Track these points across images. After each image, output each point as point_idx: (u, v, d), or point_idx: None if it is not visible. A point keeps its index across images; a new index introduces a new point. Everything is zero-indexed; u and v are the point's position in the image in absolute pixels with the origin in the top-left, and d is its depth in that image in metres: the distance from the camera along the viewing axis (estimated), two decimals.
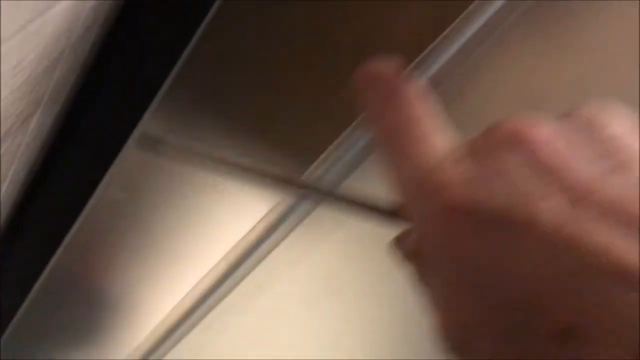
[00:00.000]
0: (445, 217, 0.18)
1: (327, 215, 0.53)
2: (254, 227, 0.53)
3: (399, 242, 0.23)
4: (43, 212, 0.63)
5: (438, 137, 0.20)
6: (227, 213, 0.55)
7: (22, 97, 0.35)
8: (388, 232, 0.55)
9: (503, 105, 0.44)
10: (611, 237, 0.15)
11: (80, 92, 0.53)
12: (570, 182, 0.17)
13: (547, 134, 0.18)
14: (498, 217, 0.17)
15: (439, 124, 0.21)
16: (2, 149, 0.38)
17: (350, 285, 0.58)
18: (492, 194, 0.17)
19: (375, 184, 0.47)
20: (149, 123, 0.51)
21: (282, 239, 0.53)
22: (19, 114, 0.37)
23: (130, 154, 0.55)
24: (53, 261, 0.61)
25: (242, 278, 0.57)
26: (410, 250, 0.22)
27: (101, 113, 0.55)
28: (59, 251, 0.61)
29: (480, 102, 0.44)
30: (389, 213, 0.23)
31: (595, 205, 0.16)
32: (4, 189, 0.48)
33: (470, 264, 0.18)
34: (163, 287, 0.63)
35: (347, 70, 0.42)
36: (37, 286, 0.67)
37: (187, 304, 0.61)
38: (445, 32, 0.39)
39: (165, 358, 0.70)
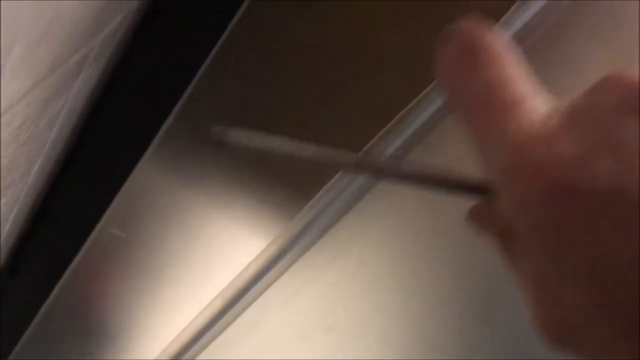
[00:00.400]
0: (549, 201, 0.16)
1: (322, 251, 0.54)
2: (250, 264, 0.55)
3: (480, 217, 0.20)
4: (43, 248, 0.64)
5: (536, 100, 0.17)
6: (223, 250, 0.57)
7: (27, 150, 0.36)
8: (378, 272, 0.56)
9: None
10: None
11: (79, 134, 0.54)
12: None
13: None
14: (611, 198, 0.15)
15: (533, 85, 0.18)
16: (4, 199, 0.40)
17: (344, 321, 0.58)
18: (606, 172, 0.15)
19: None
20: (146, 165, 0.52)
21: (278, 276, 0.54)
22: (23, 163, 0.38)
23: (128, 192, 0.56)
24: (53, 295, 0.62)
25: (238, 315, 0.58)
26: (497, 230, 0.19)
27: (101, 151, 0.56)
28: (60, 284, 0.62)
29: None
30: (474, 188, 0.20)
31: None
32: (5, 230, 0.49)
33: (584, 253, 0.15)
34: (159, 324, 0.63)
35: (344, 108, 0.44)
36: (37, 318, 0.68)
37: (183, 340, 0.62)
38: None
39: None
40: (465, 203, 0.20)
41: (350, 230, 0.52)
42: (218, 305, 0.58)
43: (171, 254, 0.59)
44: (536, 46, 0.39)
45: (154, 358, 0.65)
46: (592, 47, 0.39)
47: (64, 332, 0.71)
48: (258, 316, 0.59)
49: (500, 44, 0.18)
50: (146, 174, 0.53)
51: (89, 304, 0.65)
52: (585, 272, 0.15)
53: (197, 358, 0.63)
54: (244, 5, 0.42)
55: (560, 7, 0.38)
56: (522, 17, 0.38)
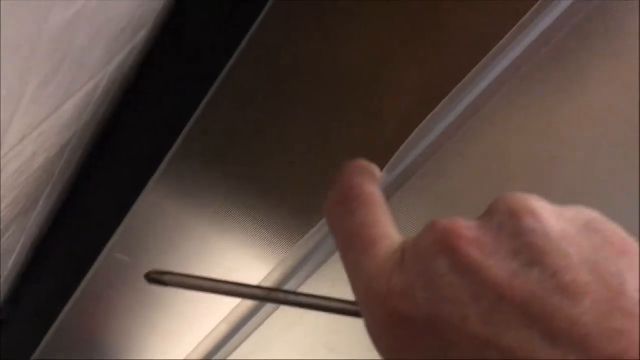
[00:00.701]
0: (389, 324, 0.19)
1: (325, 275, 0.54)
2: (267, 277, 0.55)
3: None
4: (49, 276, 0.64)
5: (388, 241, 0.21)
6: (227, 275, 0.57)
7: (37, 179, 0.37)
8: None
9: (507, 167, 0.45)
10: (521, 336, 0.16)
11: (86, 162, 0.55)
12: (489, 281, 0.18)
13: (471, 235, 0.19)
14: (432, 323, 0.18)
15: (390, 227, 0.22)
16: (14, 228, 0.40)
17: (346, 342, 0.58)
18: (426, 301, 0.18)
19: None
20: (152, 191, 0.53)
21: (300, 284, 0.54)
22: (33, 192, 0.39)
23: (133, 218, 0.56)
24: (58, 321, 0.63)
25: (243, 340, 0.58)
26: (375, 346, 0.22)
27: (107, 179, 0.57)
28: (65, 310, 0.63)
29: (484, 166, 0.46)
30: (354, 313, 0.24)
31: (509, 304, 0.17)
32: (12, 259, 0.49)
33: None
34: (163, 350, 0.63)
35: (347, 135, 0.44)
36: (42, 345, 0.68)
37: None
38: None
39: None
40: None
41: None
42: (223, 330, 0.58)
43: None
44: (561, 47, 0.39)
45: None
46: (620, 46, 0.39)
47: (69, 358, 0.71)
48: (263, 340, 0.59)
49: (370, 190, 0.23)
50: (151, 200, 0.54)
51: (93, 330, 0.65)
52: None
53: None
54: (252, 31, 0.43)
55: (585, 9, 0.38)
56: (546, 18, 0.38)
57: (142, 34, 0.40)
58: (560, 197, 0.41)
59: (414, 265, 0.19)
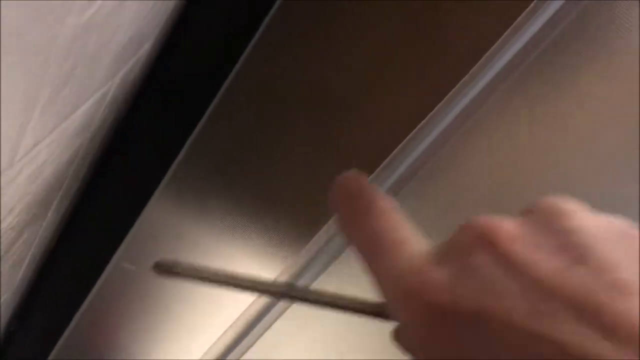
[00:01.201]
0: (426, 318, 0.19)
1: (330, 280, 0.54)
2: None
3: (397, 337, 0.23)
4: (57, 287, 0.65)
5: (413, 241, 0.22)
6: (242, 272, 0.57)
7: (49, 186, 0.38)
8: None
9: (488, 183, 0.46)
10: (572, 330, 0.17)
11: (93, 174, 0.56)
12: (536, 276, 0.18)
13: (512, 232, 0.19)
14: (474, 315, 0.18)
15: (413, 231, 0.23)
16: (26, 235, 0.41)
17: (355, 348, 0.59)
18: (467, 293, 0.19)
19: None
20: (159, 200, 0.54)
21: (287, 307, 0.55)
22: (44, 200, 0.40)
23: (139, 228, 0.57)
24: (67, 331, 0.63)
25: (249, 347, 0.58)
26: (407, 346, 0.22)
27: (113, 191, 0.58)
28: (73, 320, 0.63)
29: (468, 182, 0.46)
30: (374, 312, 0.24)
31: (558, 299, 0.17)
32: (22, 269, 0.50)
33: None
34: (171, 357, 0.64)
35: (343, 144, 0.45)
36: (51, 356, 0.68)
37: None
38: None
39: None
40: None
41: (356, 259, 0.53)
42: (229, 337, 0.59)
43: (181, 287, 0.60)
44: (553, 48, 0.40)
45: None
46: (615, 47, 0.40)
47: None
48: (269, 347, 0.60)
49: (384, 197, 0.24)
50: (158, 210, 0.55)
51: (102, 339, 0.65)
52: None
53: None
54: (253, 42, 0.44)
55: (577, 8, 0.39)
56: (539, 19, 0.39)
57: (147, 47, 0.42)
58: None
59: (452, 260, 0.20)
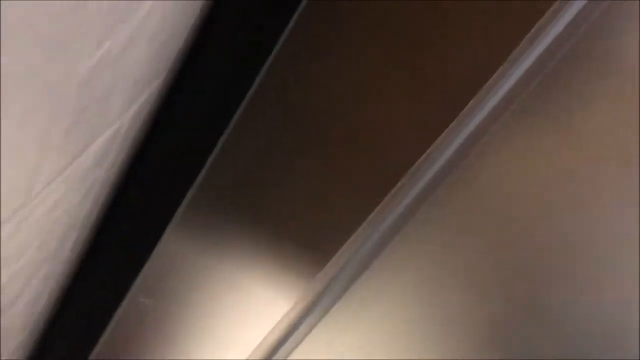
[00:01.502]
0: None
1: (363, 289, 0.54)
2: (288, 312, 0.55)
3: None
4: (73, 326, 0.65)
5: None
6: (248, 313, 0.57)
7: (62, 224, 0.39)
8: (425, 304, 0.56)
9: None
10: None
11: (107, 210, 0.56)
12: None
13: None
14: None
15: None
16: (43, 271, 0.41)
17: (399, 351, 0.58)
18: None
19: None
20: (174, 232, 0.54)
21: (305, 335, 0.55)
22: (57, 238, 0.40)
23: (155, 261, 0.58)
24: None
25: None
26: None
27: (128, 224, 0.59)
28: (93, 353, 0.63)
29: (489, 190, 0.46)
30: None
31: None
32: (40, 306, 0.51)
33: None
34: None
35: (355, 169, 0.46)
36: None
37: None
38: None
39: None
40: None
41: (373, 284, 0.53)
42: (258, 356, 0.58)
43: (198, 318, 0.60)
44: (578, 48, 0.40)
45: None
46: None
47: None
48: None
49: None
50: (172, 243, 0.55)
51: None
52: None
53: None
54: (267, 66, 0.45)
55: (600, 8, 0.39)
56: (562, 19, 0.39)
57: (158, 82, 0.43)
58: (564, 222, 0.42)
59: None
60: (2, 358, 0.48)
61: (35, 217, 0.32)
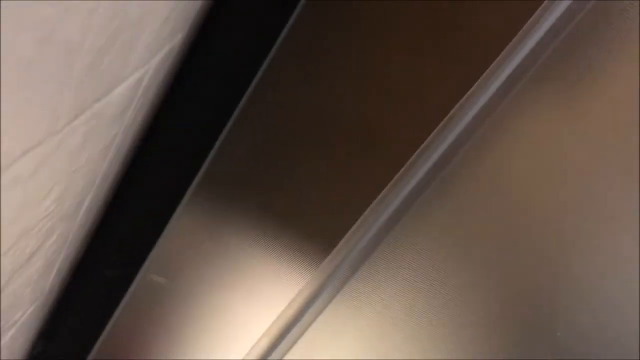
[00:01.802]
0: None
1: (367, 277, 0.53)
2: (295, 298, 0.54)
3: None
4: (86, 299, 0.64)
5: None
6: (266, 287, 0.56)
7: (82, 178, 0.37)
8: (430, 291, 0.55)
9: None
10: None
11: (119, 185, 0.55)
12: None
13: None
14: None
15: None
16: (58, 231, 0.40)
17: (397, 347, 0.57)
18: None
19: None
20: (184, 212, 0.53)
21: (324, 307, 0.54)
22: (76, 195, 0.39)
23: (166, 239, 0.56)
24: (97, 344, 0.62)
25: (286, 351, 0.57)
26: None
27: (141, 200, 0.57)
28: (103, 334, 0.62)
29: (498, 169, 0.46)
30: None
31: None
32: (52, 275, 0.49)
33: None
34: None
35: (357, 162, 0.45)
36: None
37: None
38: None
39: None
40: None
41: (377, 271, 0.52)
42: (265, 344, 0.57)
43: (211, 297, 0.59)
44: (566, 46, 0.40)
45: None
46: (623, 44, 0.40)
47: None
48: (310, 349, 0.58)
49: None
50: (183, 221, 0.54)
51: (131, 352, 0.64)
52: None
53: None
54: (276, 48, 0.44)
55: (587, 7, 0.39)
56: (550, 18, 0.39)
57: (180, 36, 0.41)
58: (565, 203, 0.41)
59: None
60: (7, 332, 0.46)
61: (57, 158, 0.30)
